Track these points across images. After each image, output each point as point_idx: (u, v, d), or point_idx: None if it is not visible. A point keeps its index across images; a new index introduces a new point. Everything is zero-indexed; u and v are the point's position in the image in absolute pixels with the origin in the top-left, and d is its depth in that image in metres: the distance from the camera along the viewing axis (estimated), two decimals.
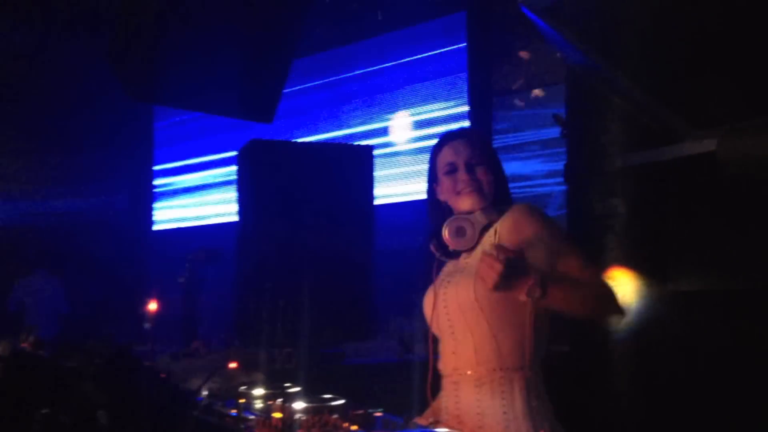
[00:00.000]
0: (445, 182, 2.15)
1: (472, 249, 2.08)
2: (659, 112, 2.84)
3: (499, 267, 1.77)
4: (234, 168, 5.43)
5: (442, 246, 2.12)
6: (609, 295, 1.93)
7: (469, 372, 2.02)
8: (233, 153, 5.62)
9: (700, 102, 2.78)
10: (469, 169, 2.11)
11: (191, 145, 9.39)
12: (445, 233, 2.07)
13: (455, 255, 2.13)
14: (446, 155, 2.15)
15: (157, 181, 9.94)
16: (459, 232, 2.06)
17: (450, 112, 6.62)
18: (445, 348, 2.10)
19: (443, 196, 2.17)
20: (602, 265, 1.90)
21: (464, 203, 2.10)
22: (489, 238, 2.03)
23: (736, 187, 2.62)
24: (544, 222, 1.99)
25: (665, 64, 2.84)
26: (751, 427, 2.63)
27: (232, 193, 5.57)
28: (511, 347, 1.98)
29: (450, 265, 2.15)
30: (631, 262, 2.92)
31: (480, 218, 2.06)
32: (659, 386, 2.84)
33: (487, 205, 2.09)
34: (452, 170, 2.13)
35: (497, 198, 2.11)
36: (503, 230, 1.99)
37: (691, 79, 2.79)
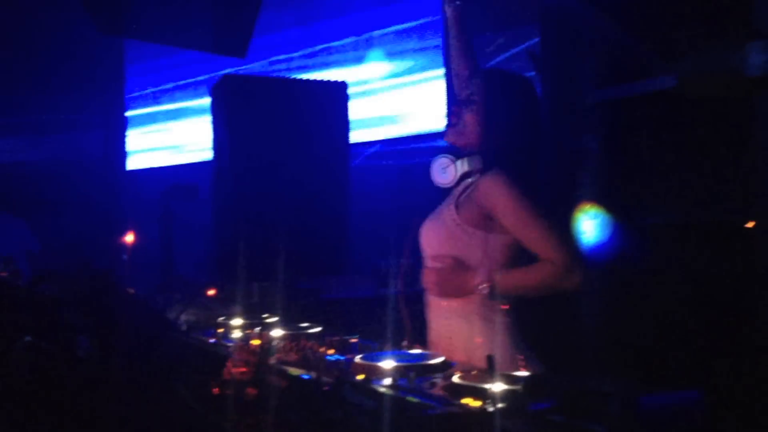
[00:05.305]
0: None
1: (450, 189, 2.12)
2: (632, 48, 2.86)
3: (434, 278, 2.02)
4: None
5: None
6: (562, 277, 1.90)
7: (437, 300, 2.09)
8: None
9: (673, 36, 2.80)
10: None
11: (165, 79, 9.25)
12: (432, 168, 2.11)
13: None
14: None
15: (130, 113, 9.78)
16: (443, 170, 2.10)
17: (427, 55, 6.56)
18: None
19: None
20: (570, 242, 1.95)
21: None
22: (462, 194, 2.07)
23: (703, 122, 2.66)
24: (514, 195, 1.94)
25: None
26: (716, 354, 2.72)
27: (206, 130, 5.49)
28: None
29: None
30: (602, 197, 2.97)
31: (463, 164, 2.08)
32: (630, 316, 2.92)
33: (473, 152, 2.08)
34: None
35: (484, 146, 2.06)
36: (476, 195, 2.00)
37: (665, 13, 2.81)
